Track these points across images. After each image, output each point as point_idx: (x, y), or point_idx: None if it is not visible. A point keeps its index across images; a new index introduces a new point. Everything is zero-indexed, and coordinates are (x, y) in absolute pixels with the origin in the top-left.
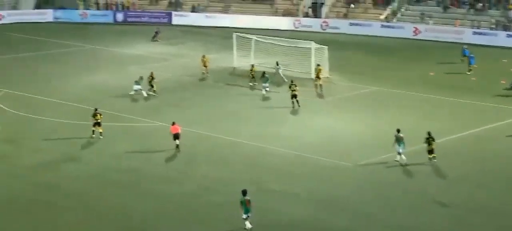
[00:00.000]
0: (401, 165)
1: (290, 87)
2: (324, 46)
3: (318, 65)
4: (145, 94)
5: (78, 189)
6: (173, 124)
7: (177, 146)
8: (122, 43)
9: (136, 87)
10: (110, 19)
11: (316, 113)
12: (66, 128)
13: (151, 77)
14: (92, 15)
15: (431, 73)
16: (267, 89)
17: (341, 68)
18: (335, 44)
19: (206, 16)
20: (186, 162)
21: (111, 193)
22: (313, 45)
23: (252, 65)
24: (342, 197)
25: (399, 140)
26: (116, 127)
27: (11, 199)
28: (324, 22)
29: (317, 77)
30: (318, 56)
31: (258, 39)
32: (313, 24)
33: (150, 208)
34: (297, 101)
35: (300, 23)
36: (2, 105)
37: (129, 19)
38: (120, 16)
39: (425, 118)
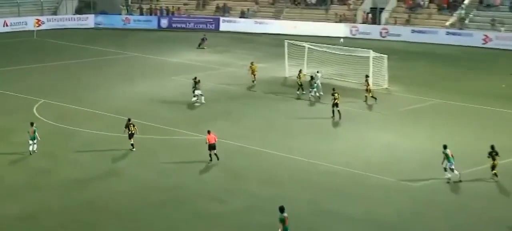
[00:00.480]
0: (455, 182)
1: (332, 95)
2: (383, 55)
3: (367, 76)
4: (203, 100)
5: (120, 208)
6: (209, 132)
7: (213, 155)
8: (166, 50)
9: (198, 92)
10: (154, 25)
11: (373, 128)
12: (106, 141)
13: (195, 82)
14: (135, 20)
15: (503, 86)
16: (317, 94)
17: (402, 79)
18: (396, 52)
19: (256, 22)
20: (234, 179)
21: (156, 213)
22: (371, 53)
23: (300, 71)
24: (402, 220)
25: (448, 157)
26: (158, 140)
27: (50, 215)
28: (383, 29)
29: (334, 103)
30: (377, 65)
31: (312, 47)
32: (372, 31)
33: (198, 229)
34: (338, 111)
35: (357, 30)
36: (40, 116)
37: (174, 25)
38: (164, 22)
39: (496, 134)
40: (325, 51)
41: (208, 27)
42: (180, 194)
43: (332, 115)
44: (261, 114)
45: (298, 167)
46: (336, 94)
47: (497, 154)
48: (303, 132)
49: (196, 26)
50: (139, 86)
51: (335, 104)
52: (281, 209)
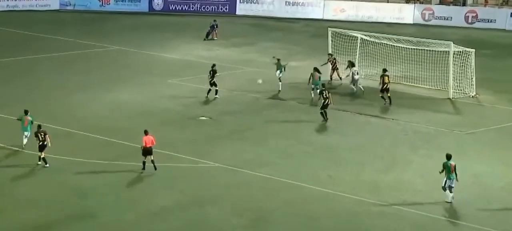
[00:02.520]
0: (446, 202)
1: (381, 78)
2: (469, 49)
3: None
4: (280, 87)
5: None
6: (146, 132)
7: (148, 163)
8: (160, 43)
9: (279, 74)
10: (144, 7)
11: (454, 152)
12: (76, 169)
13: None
14: (118, 0)
15: None
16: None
17: (495, 83)
18: (487, 46)
19: (287, 2)
20: (257, 221)
21: None
22: (452, 47)
23: (330, 55)
24: None
25: (449, 170)
26: (149, 168)
27: None
28: (470, 12)
29: (383, 88)
30: (460, 64)
31: (367, 38)
32: (454, 14)
33: None
34: (389, 97)
35: (433, 13)
36: None
37: (171, 7)
38: (158, 3)
39: None
40: (386, 44)
41: (220, 10)
42: None
43: (385, 101)
44: (293, 131)
45: (340, 206)
46: (386, 77)
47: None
48: (351, 156)
49: (203, 8)
50: (123, 93)
51: (385, 90)
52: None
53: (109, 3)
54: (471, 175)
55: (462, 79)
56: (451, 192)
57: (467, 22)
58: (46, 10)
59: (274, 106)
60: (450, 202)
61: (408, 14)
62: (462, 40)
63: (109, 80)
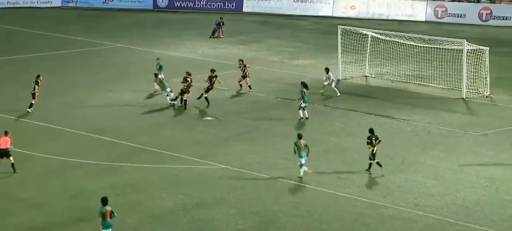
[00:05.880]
0: (298, 177)
1: (369, 141)
2: (483, 47)
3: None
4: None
5: None
6: (6, 133)
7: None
8: (164, 40)
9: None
10: (148, 4)
11: (469, 155)
12: (77, 170)
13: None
14: None
15: None
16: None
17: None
18: (502, 44)
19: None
20: (263, 224)
21: None
22: (465, 45)
23: (241, 61)
24: None
25: (299, 149)
26: (152, 170)
27: None
28: (485, 9)
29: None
30: (473, 62)
31: (377, 35)
32: (468, 11)
33: None
34: (377, 163)
35: (445, 10)
36: None
37: (176, 4)
38: (163, 0)
39: None
40: (397, 42)
41: (226, 7)
42: None
43: (367, 168)
44: (301, 132)
45: (350, 209)
46: (374, 140)
47: (377, 139)
48: (361, 158)
49: (209, 5)
50: (126, 92)
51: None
52: (104, 201)
53: (113, 0)
54: (485, 178)
55: (476, 78)
56: (301, 167)
57: (481, 19)
58: (48, 7)
59: (282, 106)
60: (301, 177)
61: (420, 11)
62: (476, 38)
63: (112, 78)
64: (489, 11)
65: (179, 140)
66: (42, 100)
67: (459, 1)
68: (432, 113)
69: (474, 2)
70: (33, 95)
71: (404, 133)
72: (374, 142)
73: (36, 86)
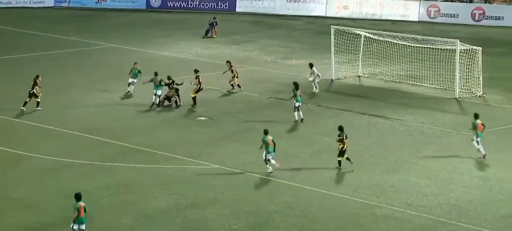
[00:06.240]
0: (268, 172)
1: (339, 139)
2: (476, 47)
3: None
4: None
5: None
6: None
7: None
8: (157, 40)
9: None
10: (141, 4)
11: (461, 154)
12: (70, 170)
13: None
14: None
15: None
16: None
17: (504, 82)
18: (495, 44)
19: (288, 0)
20: (256, 224)
21: None
22: (458, 45)
23: (229, 62)
24: None
25: (267, 145)
26: (146, 170)
27: None
28: (477, 9)
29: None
30: (466, 62)
31: (371, 35)
32: (460, 11)
33: None
34: (347, 158)
35: (438, 11)
36: None
37: (169, 4)
38: (156, 0)
39: None
40: (390, 42)
41: (219, 7)
42: None
43: (338, 166)
44: (294, 132)
45: (344, 209)
46: (343, 137)
47: (346, 137)
48: (354, 157)
49: (202, 5)
50: (119, 92)
51: (342, 152)
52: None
53: (106, 0)
54: (478, 177)
55: (468, 78)
56: (269, 163)
57: (474, 19)
58: (41, 7)
59: (275, 106)
60: (271, 172)
61: (413, 11)
62: (468, 38)
63: (105, 79)
64: (482, 11)
65: (173, 140)
66: (34, 100)
67: (452, 1)
68: (425, 113)
69: (466, 2)
70: (33, 94)
71: (397, 132)
72: (345, 139)
73: (35, 86)
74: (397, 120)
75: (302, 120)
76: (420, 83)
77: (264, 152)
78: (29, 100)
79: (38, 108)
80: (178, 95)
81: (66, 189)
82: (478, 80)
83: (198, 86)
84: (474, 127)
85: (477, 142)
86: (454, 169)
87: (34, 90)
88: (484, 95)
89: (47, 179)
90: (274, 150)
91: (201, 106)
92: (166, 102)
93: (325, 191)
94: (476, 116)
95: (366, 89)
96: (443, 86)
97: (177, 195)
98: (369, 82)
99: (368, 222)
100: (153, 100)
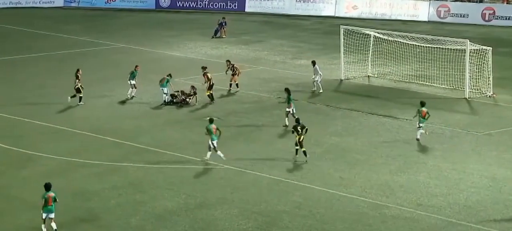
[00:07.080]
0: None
1: (295, 130)
2: (486, 47)
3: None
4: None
5: None
6: None
7: None
8: (167, 40)
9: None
10: (150, 4)
11: (472, 154)
12: (79, 171)
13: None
14: None
15: None
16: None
17: None
18: (506, 44)
19: (298, 0)
20: (265, 224)
21: None
22: (468, 45)
23: (228, 61)
24: None
25: (211, 132)
26: (155, 170)
27: None
28: (487, 9)
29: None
30: (476, 62)
31: (380, 35)
32: (470, 11)
33: None
34: (303, 151)
35: (448, 10)
36: None
37: (179, 4)
38: (165, 0)
39: None
40: (400, 42)
41: (228, 7)
42: None
43: (295, 154)
44: (305, 133)
45: (353, 209)
46: (300, 129)
47: (303, 127)
48: (363, 158)
49: (211, 5)
50: (128, 92)
51: (299, 143)
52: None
53: (115, 0)
54: (488, 178)
55: (478, 78)
56: (216, 151)
57: (484, 19)
58: (50, 7)
59: (284, 106)
60: (207, 159)
61: (423, 11)
62: (479, 38)
63: (113, 78)
64: (492, 11)
65: (181, 140)
66: (43, 100)
67: (462, 1)
68: (434, 113)
69: (477, 2)
70: (78, 90)
71: (406, 133)
72: (300, 131)
73: (77, 80)
74: (406, 119)
75: (286, 126)
76: (429, 84)
77: (210, 139)
78: (76, 95)
79: (80, 103)
80: (196, 94)
81: (75, 189)
82: (488, 80)
83: (208, 82)
84: (418, 113)
85: (419, 126)
86: (463, 169)
87: (79, 85)
88: (494, 95)
89: (55, 179)
90: (218, 138)
91: (210, 107)
92: (177, 99)
93: (334, 191)
94: (422, 104)
95: (376, 89)
96: (453, 87)
97: (186, 195)
98: (379, 82)
99: (377, 222)
100: (164, 99)
